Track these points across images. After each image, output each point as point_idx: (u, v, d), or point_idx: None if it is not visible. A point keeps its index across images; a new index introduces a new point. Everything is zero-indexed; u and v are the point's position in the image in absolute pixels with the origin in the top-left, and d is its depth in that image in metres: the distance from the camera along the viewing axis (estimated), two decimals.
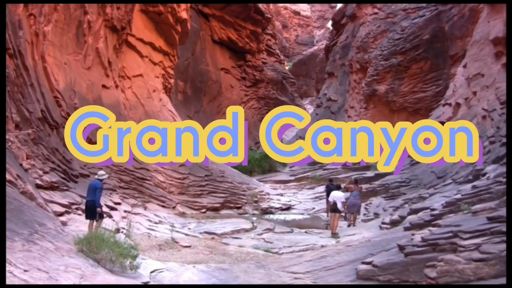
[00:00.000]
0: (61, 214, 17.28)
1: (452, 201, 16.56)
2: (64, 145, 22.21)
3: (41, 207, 15.03)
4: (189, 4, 40.73)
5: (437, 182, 24.71)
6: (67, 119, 23.29)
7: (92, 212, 16.87)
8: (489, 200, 14.54)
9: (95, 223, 17.01)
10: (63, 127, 22.80)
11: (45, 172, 18.69)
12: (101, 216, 17.09)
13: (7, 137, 16.18)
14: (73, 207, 18.85)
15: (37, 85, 21.29)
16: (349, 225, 25.65)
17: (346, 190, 28.95)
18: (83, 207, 18.40)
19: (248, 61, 72.56)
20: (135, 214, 23.43)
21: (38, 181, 17.55)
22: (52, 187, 18.58)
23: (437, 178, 25.77)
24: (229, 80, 69.57)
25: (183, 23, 39.07)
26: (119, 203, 23.07)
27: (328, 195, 29.29)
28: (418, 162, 30.80)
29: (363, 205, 29.27)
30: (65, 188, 19.64)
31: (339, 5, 78.84)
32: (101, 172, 18.11)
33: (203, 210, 29.85)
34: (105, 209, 20.76)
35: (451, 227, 12.93)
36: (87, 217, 17.13)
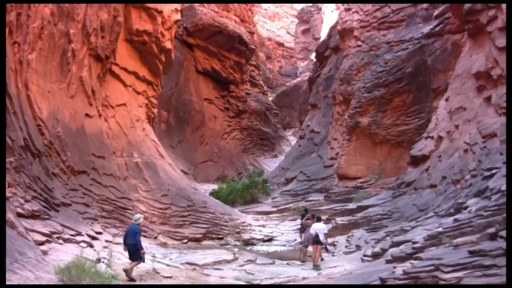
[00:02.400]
0: (42, 243, 17.14)
1: (433, 234, 16.61)
2: (46, 174, 22.13)
3: (22, 235, 14.93)
4: (173, 34, 40.86)
5: (419, 215, 24.75)
6: (49, 148, 23.31)
7: (134, 254, 18.53)
8: (470, 233, 14.59)
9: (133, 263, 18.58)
10: (46, 156, 22.74)
11: (27, 201, 18.55)
12: (142, 257, 18.71)
13: None
14: (54, 236, 18.70)
15: (20, 113, 21.21)
16: (303, 261, 25.74)
17: (304, 225, 29.24)
18: (64, 236, 18.58)
19: (231, 91, 72.97)
20: (117, 244, 23.25)
21: (19, 210, 17.41)
22: (33, 215, 18.43)
23: (419, 211, 25.81)
24: (212, 111, 69.81)
25: (167, 53, 39.17)
26: (100, 233, 22.93)
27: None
28: (400, 195, 30.90)
29: (344, 237, 29.35)
30: (46, 217, 19.48)
31: (322, 37, 79.32)
32: (137, 216, 19.86)
33: (185, 241, 29.75)
34: (86, 238, 20.75)
35: (433, 260, 12.95)
36: (130, 259, 18.82)
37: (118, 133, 32.08)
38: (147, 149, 34.62)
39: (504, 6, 22.63)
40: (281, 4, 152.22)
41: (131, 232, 18.80)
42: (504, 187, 15.88)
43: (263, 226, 37.66)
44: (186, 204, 32.80)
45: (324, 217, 30.65)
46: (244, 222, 36.13)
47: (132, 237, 18.58)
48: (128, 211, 27.59)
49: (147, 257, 21.37)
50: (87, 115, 28.54)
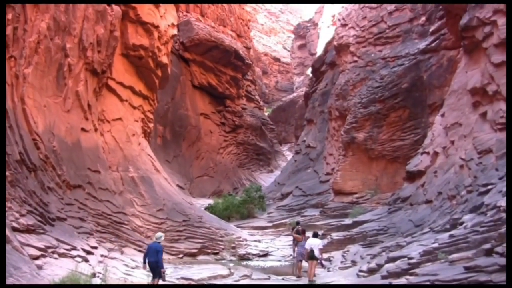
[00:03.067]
0: (36, 258, 17.11)
1: (429, 249, 16.62)
2: (42, 188, 22.08)
3: (17, 250, 14.90)
4: (170, 49, 40.89)
5: (415, 231, 24.73)
6: (45, 162, 23.26)
7: (155, 271, 19.02)
8: (466, 249, 14.60)
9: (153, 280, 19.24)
10: (41, 170, 22.70)
11: (22, 215, 18.52)
12: (162, 275, 19.01)
13: None
14: (49, 250, 18.67)
15: (16, 127, 21.21)
16: (298, 276, 25.74)
17: (294, 240, 29.35)
18: (60, 250, 18.61)
19: (227, 106, 72.99)
20: (112, 258, 23.23)
21: (14, 224, 17.39)
22: (28, 230, 18.41)
23: (414, 227, 25.79)
24: (208, 125, 69.78)
25: (163, 67, 39.21)
26: (95, 247, 22.88)
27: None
28: (396, 210, 30.87)
29: (340, 252, 29.31)
30: (41, 231, 19.46)
31: (319, 53, 79.58)
32: (159, 234, 20.33)
33: (180, 256, 29.68)
34: (81, 253, 20.70)
35: (428, 276, 12.96)
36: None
37: (114, 148, 32.04)
38: (143, 163, 34.58)
39: (500, 22, 22.77)
40: (277, 19, 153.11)
41: (153, 250, 19.15)
42: (499, 203, 15.90)
43: (259, 241, 37.58)
44: (181, 219, 32.73)
45: (320, 232, 30.62)
46: (240, 237, 36.06)
47: (154, 255, 18.96)
48: (124, 226, 27.54)
49: (143, 272, 21.43)
50: (83, 129, 28.51)
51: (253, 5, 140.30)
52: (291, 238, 33.98)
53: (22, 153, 21.13)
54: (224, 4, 76.94)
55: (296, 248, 28.01)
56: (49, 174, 23.67)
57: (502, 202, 15.61)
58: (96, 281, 16.75)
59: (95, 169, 28.34)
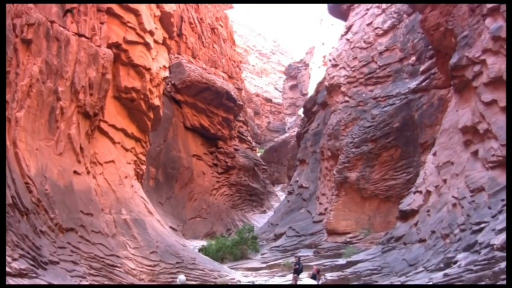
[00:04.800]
0: None
1: None
2: (34, 232, 21.97)
3: None
4: (161, 91, 40.97)
5: (409, 270, 24.67)
6: (37, 205, 23.17)
7: None
8: None
9: None
10: (34, 213, 22.61)
11: (14, 259, 18.41)
12: None
13: None
14: None
15: (8, 170, 21.17)
16: None
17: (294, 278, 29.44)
18: None
19: (220, 147, 73.14)
20: None
21: (6, 268, 17.27)
22: (20, 274, 18.28)
23: (408, 266, 25.73)
24: (201, 167, 69.78)
25: (155, 109, 39.24)
26: None
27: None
28: (389, 250, 30.80)
29: None
30: (34, 275, 19.32)
31: (310, 93, 80.00)
32: (183, 278, 20.87)
33: None
34: None
35: None
36: None
37: (106, 190, 31.94)
38: (135, 206, 34.45)
39: (489, 61, 22.98)
40: (268, 60, 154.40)
41: None
42: (493, 241, 15.91)
43: (253, 282, 37.39)
44: (175, 261, 32.56)
45: (320, 268, 30.58)
46: (234, 279, 35.88)
47: None
48: (117, 269, 27.35)
49: None
50: (75, 172, 28.44)
51: (245, 46, 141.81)
52: (285, 279, 33.88)
53: (14, 197, 21.07)
54: (215, 46, 77.73)
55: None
56: (41, 218, 23.57)
57: (496, 240, 15.63)
58: None
59: (87, 212, 28.23)
